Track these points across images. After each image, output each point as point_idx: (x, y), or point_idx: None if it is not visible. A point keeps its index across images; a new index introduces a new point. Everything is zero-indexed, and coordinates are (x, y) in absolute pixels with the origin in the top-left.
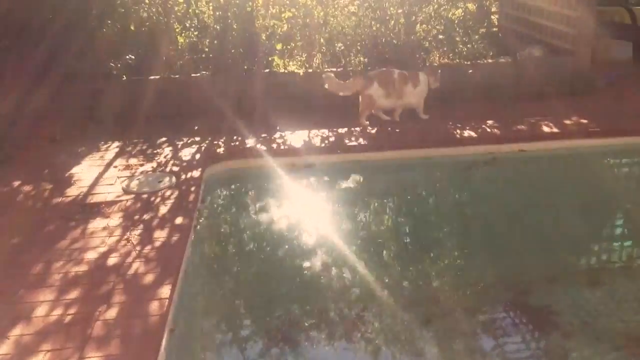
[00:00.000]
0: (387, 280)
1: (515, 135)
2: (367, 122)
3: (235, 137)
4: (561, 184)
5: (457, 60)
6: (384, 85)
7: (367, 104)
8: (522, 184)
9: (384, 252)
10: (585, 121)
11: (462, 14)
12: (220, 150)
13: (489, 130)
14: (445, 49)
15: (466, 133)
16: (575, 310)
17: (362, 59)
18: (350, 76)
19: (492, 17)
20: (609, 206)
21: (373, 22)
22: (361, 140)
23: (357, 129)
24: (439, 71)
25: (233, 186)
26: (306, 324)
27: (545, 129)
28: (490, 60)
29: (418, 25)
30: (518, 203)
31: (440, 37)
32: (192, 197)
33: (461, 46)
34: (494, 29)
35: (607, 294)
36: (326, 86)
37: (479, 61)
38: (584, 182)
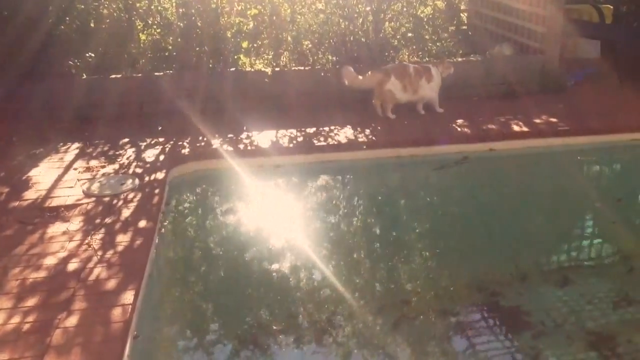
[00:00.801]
0: (357, 283)
1: (485, 135)
2: (394, 116)
3: (200, 138)
4: (531, 183)
5: (427, 59)
6: (401, 79)
7: (388, 98)
8: (493, 184)
9: (354, 254)
10: (554, 120)
11: (431, 11)
12: (185, 151)
13: (459, 129)
14: (414, 47)
15: (437, 132)
16: (546, 310)
17: (330, 57)
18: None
19: (462, 15)
20: (578, 205)
21: (341, 20)
22: (330, 141)
23: (325, 128)
24: (446, 59)
25: (199, 188)
26: (275, 329)
27: (515, 127)
28: (460, 59)
29: (386, 23)
30: (489, 203)
31: (409, 35)
32: (156, 199)
33: (430, 44)
34: (464, 27)
35: (578, 293)
36: (345, 81)
37: (448, 60)
38: (553, 181)
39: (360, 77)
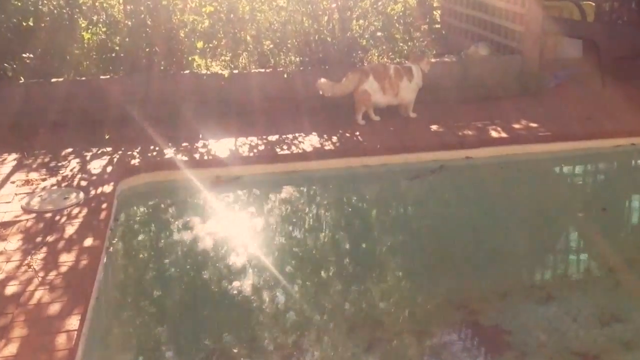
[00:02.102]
0: (326, 303)
1: (462, 141)
2: (364, 122)
3: (152, 147)
4: (511, 193)
5: (398, 60)
6: (380, 80)
7: (362, 100)
8: (470, 194)
9: (322, 272)
10: (534, 125)
11: (402, 9)
12: (135, 161)
13: (434, 135)
14: (384, 47)
15: (411, 139)
16: (528, 328)
17: (293, 58)
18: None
19: (435, 12)
20: (561, 216)
21: (305, 18)
22: (294, 149)
23: (289, 136)
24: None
25: (151, 202)
26: (237, 355)
27: (493, 133)
28: (433, 60)
29: (354, 21)
30: (466, 215)
31: (379, 34)
32: (103, 215)
33: (401, 44)
34: (437, 26)
35: (562, 310)
36: (322, 92)
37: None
38: (534, 190)
39: (338, 84)
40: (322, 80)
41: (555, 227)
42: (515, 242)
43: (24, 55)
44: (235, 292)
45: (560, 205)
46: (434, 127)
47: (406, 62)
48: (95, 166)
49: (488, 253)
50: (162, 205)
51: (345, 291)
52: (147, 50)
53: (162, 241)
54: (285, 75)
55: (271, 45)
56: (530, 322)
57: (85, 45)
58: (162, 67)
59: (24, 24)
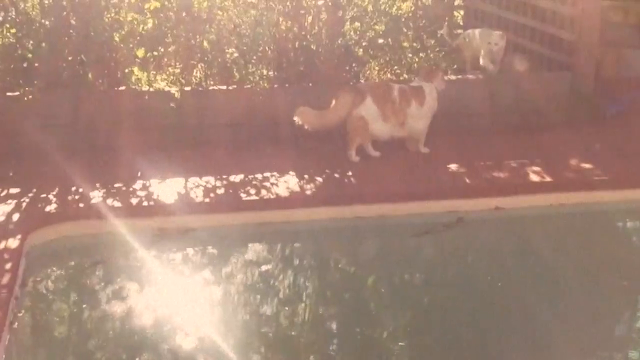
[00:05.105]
0: None
1: (489, 186)
2: (358, 158)
3: (73, 188)
4: (553, 257)
5: (406, 76)
6: (380, 103)
7: (356, 129)
8: (498, 258)
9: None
10: (587, 165)
11: (412, 8)
12: (51, 207)
13: (452, 178)
14: (387, 58)
15: (420, 183)
16: None
17: (265, 71)
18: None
19: (455, 13)
20: (620, 289)
21: (282, 19)
22: (265, 194)
23: (258, 175)
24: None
25: (70, 262)
26: None
27: (533, 176)
28: (453, 77)
29: (347, 23)
30: (492, 284)
31: (381, 41)
32: (6, 278)
33: (411, 55)
34: (459, 31)
35: None
36: (302, 124)
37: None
38: (587, 253)
39: (325, 111)
40: (303, 108)
41: (614, 306)
42: (556, 323)
43: None
44: None
45: (621, 275)
46: (452, 167)
47: (415, 79)
48: None
49: (519, 337)
50: (86, 267)
51: None
52: (70, 59)
53: (85, 315)
54: (254, 95)
55: (236, 54)
56: None
57: None
58: (89, 82)
59: None
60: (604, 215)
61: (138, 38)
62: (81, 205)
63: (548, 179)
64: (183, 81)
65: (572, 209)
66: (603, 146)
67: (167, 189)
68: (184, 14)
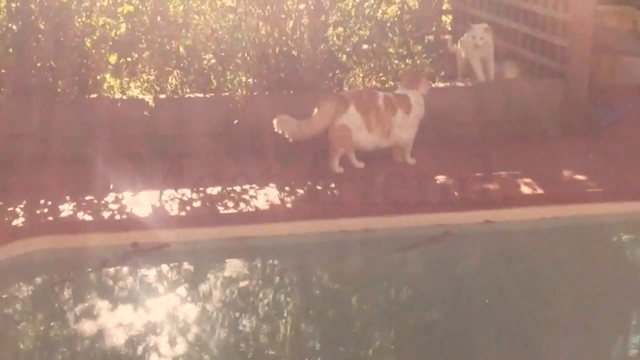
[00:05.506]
0: None
1: (480, 199)
2: (342, 169)
3: (41, 201)
4: (547, 274)
5: (391, 83)
6: (365, 111)
7: (339, 139)
8: (488, 273)
9: None
10: (581, 177)
11: (398, 12)
12: (18, 221)
13: (440, 190)
14: (372, 64)
15: (406, 195)
16: None
17: (244, 78)
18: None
19: (444, 18)
20: (618, 309)
21: (262, 24)
22: (243, 207)
23: (237, 188)
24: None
25: (37, 278)
26: None
27: (524, 188)
28: (441, 84)
29: (331, 28)
30: (480, 302)
31: (365, 47)
32: None
33: (397, 61)
34: (447, 36)
35: None
36: (282, 133)
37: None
38: (581, 270)
39: (306, 120)
40: (283, 117)
41: (611, 327)
42: (549, 346)
43: None
44: None
45: (617, 293)
46: (439, 178)
47: (399, 86)
48: None
49: None
50: (55, 284)
51: None
52: (39, 65)
53: (52, 335)
54: (233, 103)
55: (213, 61)
56: None
57: None
58: (58, 90)
59: None
60: (598, 228)
61: (110, 43)
62: (50, 218)
63: (540, 191)
64: (158, 88)
65: (566, 222)
66: (597, 156)
67: (140, 201)
68: (158, 18)
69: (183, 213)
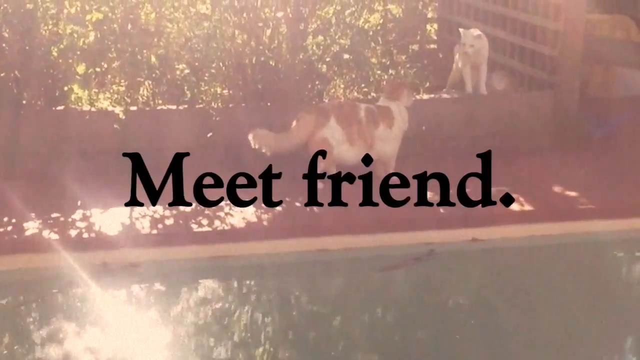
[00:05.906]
0: None
1: (466, 216)
2: (322, 185)
3: (5, 219)
4: (538, 295)
5: (374, 95)
6: (346, 124)
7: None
8: (475, 295)
9: None
10: (572, 193)
11: (381, 21)
12: None
13: (424, 207)
14: (354, 75)
15: (389, 212)
16: None
17: (220, 89)
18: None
19: (429, 27)
20: (612, 329)
21: (238, 32)
22: (219, 225)
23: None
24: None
25: (3, 300)
26: None
27: (513, 205)
28: (426, 96)
29: (310, 37)
30: (465, 326)
31: (347, 56)
32: None
33: (379, 72)
34: (432, 46)
35: None
36: (258, 148)
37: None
38: (572, 290)
39: (284, 134)
40: (259, 131)
41: (605, 349)
42: None
43: None
44: None
45: (612, 315)
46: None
47: (381, 98)
48: None
49: None
50: (18, 305)
51: None
52: (3, 75)
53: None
54: (208, 115)
55: (187, 71)
56: None
57: None
58: (23, 102)
59: None
60: (590, 246)
61: (78, 52)
62: (15, 237)
63: (529, 207)
64: (128, 100)
65: (556, 240)
66: (589, 171)
67: (110, 219)
68: (129, 26)
69: (155, 231)
